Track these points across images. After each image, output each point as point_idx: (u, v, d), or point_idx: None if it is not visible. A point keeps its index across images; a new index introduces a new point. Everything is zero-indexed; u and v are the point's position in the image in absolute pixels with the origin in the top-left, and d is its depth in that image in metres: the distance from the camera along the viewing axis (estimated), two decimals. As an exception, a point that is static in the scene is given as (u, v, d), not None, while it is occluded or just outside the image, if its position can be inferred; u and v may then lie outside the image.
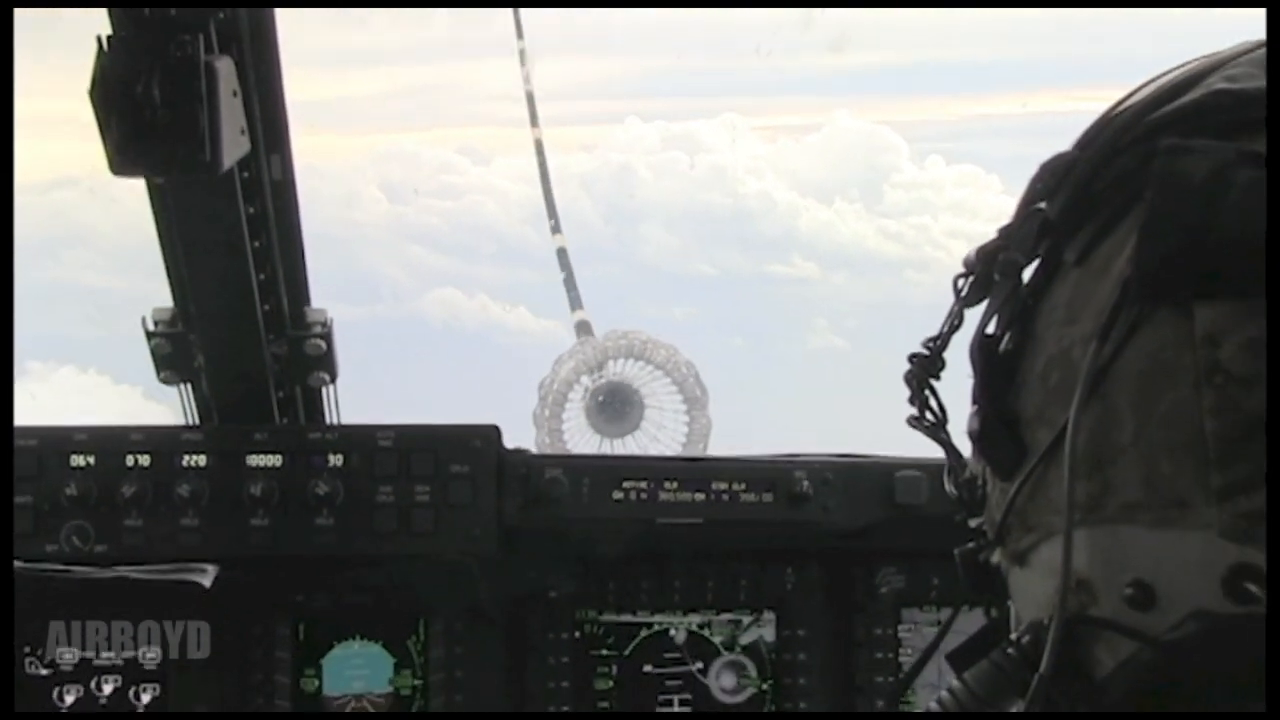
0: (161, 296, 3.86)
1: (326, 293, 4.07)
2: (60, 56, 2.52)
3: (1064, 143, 1.60)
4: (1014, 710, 1.64)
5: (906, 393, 1.81)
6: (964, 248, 1.73)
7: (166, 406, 4.13)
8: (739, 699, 4.32)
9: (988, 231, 1.67)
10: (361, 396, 4.45)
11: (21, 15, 2.61)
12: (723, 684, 4.32)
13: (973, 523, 1.73)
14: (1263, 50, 1.51)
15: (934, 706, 1.99)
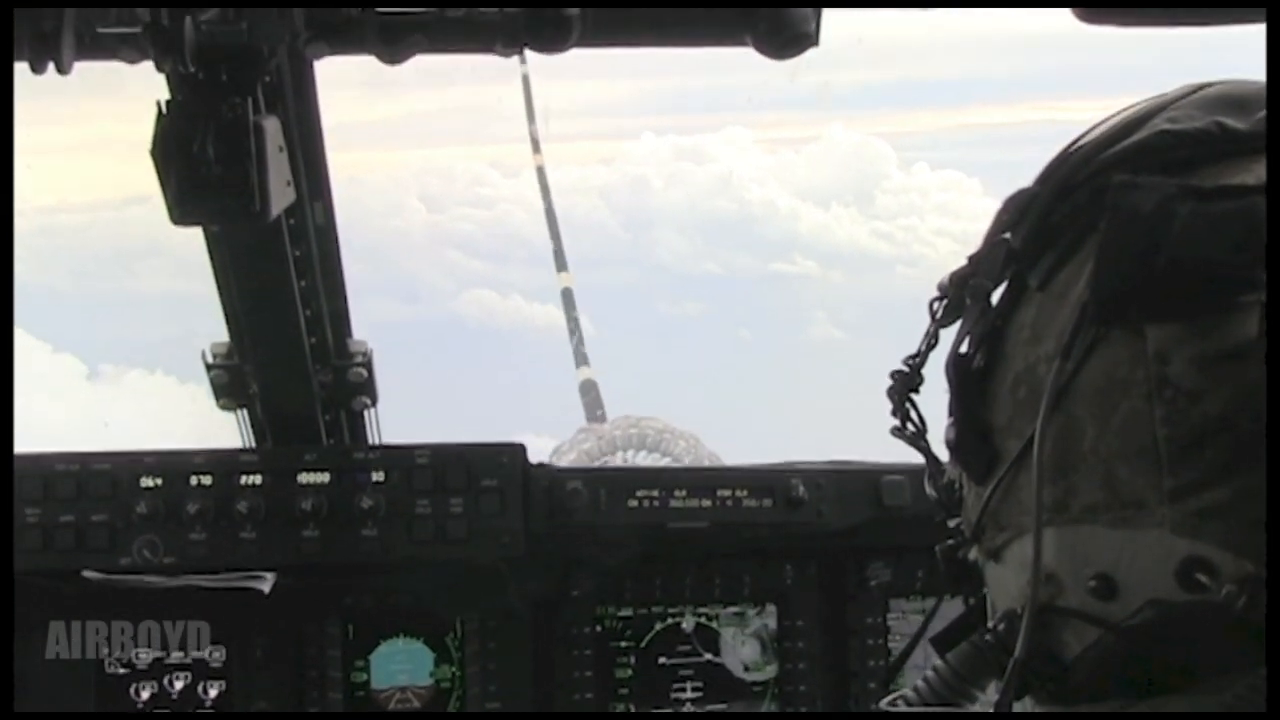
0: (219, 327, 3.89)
1: (374, 292, 4.08)
2: (137, 88, 2.53)
3: (1037, 149, 1.61)
4: (990, 688, 1.66)
5: (890, 405, 1.82)
6: (949, 245, 1.75)
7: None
8: (758, 675, 4.31)
9: (969, 229, 1.68)
10: (404, 388, 4.45)
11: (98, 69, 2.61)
12: (743, 656, 4.32)
13: (951, 523, 1.74)
14: (1202, 94, 1.52)
15: (921, 685, 2.00)
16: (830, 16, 2.27)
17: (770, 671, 4.30)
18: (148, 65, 2.48)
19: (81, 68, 2.35)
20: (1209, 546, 1.34)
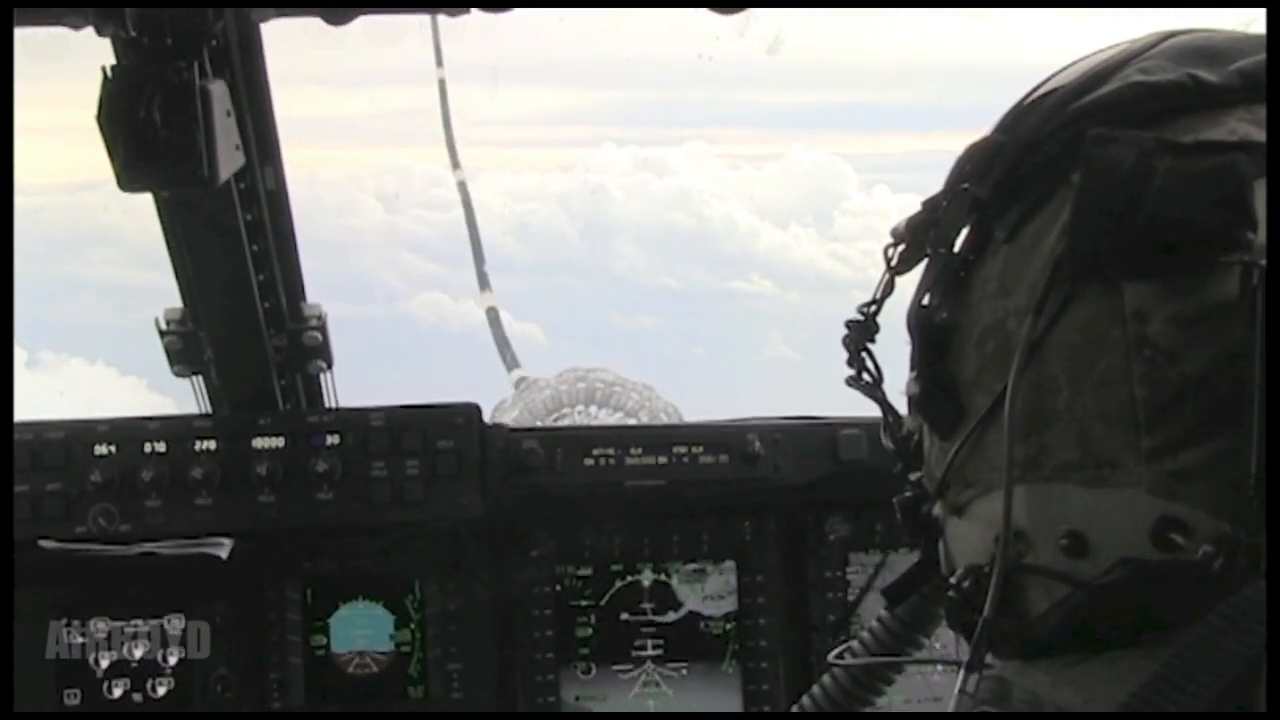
0: (171, 295, 3.84)
1: (325, 293, 4.05)
2: (87, 69, 2.50)
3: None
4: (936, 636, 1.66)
5: (846, 357, 1.82)
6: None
7: (169, 398, 4.10)
8: (721, 610, 4.30)
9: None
10: (359, 384, 4.42)
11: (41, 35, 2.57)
12: (708, 591, 4.30)
13: (912, 476, 1.73)
14: (1171, 43, 1.50)
15: (866, 636, 2.02)
16: (798, 35, 2.25)
17: (731, 604, 4.29)
18: (101, 41, 2.44)
19: (31, 41, 2.32)
20: (1185, 507, 1.34)
